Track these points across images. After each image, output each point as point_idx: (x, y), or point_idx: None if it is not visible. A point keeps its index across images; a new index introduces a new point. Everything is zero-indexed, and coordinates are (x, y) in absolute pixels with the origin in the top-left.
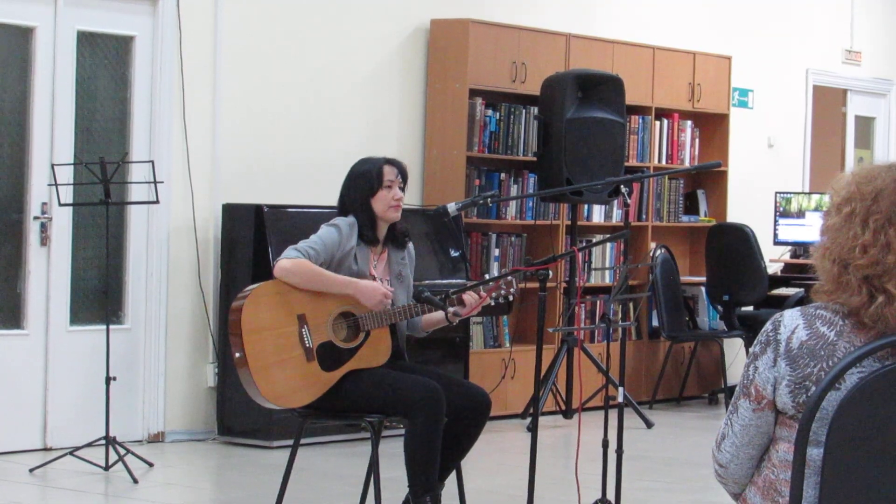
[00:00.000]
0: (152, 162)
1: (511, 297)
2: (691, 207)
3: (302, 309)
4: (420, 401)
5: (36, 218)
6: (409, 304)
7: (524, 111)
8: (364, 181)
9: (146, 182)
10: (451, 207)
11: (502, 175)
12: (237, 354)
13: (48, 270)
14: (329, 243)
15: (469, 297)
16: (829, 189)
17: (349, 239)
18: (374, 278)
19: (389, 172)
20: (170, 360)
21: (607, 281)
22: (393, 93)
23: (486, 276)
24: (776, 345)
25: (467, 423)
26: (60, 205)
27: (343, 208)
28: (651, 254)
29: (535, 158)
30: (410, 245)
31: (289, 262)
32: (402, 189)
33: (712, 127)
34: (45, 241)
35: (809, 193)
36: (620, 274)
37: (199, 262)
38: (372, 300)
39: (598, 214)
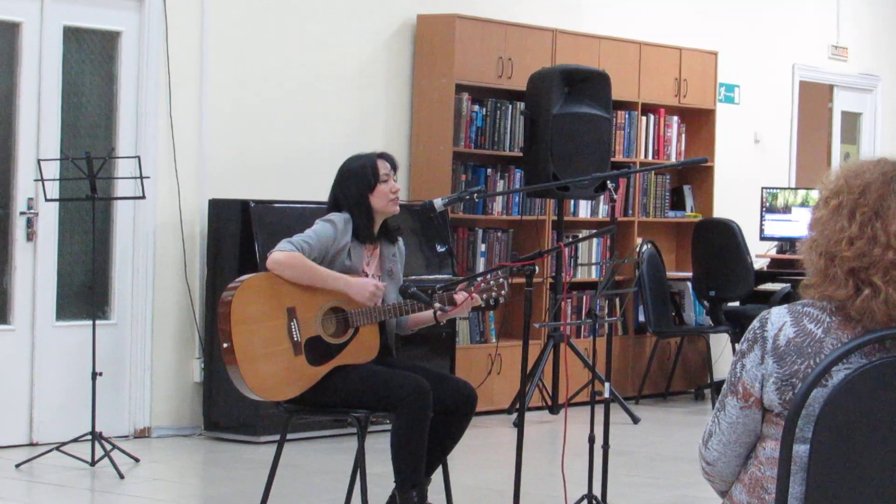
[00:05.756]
0: (139, 157)
1: (502, 300)
2: (678, 203)
3: (292, 302)
4: (407, 396)
5: (22, 213)
6: (399, 301)
7: (510, 106)
8: (360, 178)
9: (132, 177)
10: (438, 203)
11: (489, 170)
12: (225, 345)
13: (34, 266)
14: (324, 238)
15: (459, 296)
16: (819, 183)
17: (344, 235)
18: (366, 275)
19: (383, 167)
20: (156, 356)
21: (593, 276)
22: (379, 88)
23: (473, 273)
24: (763, 342)
25: (454, 419)
26: (47, 200)
27: (336, 206)
28: (637, 249)
29: (521, 154)
30: (401, 241)
31: (282, 254)
32: (395, 180)
33: (699, 122)
34: (31, 236)
35: (796, 189)
36: (607, 269)
37: (185, 258)
38: (362, 294)
39: (584, 210)
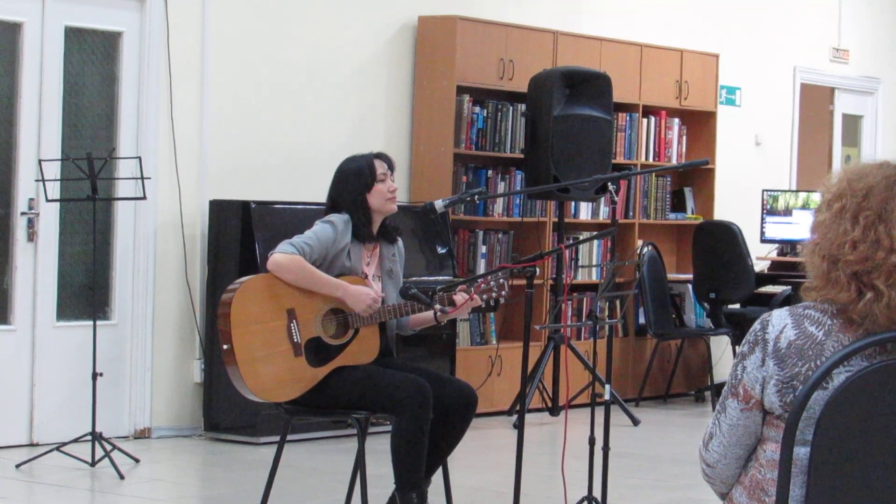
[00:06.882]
0: (139, 158)
1: (502, 300)
2: (678, 205)
3: (292, 303)
4: (407, 397)
5: (23, 213)
6: (399, 302)
7: (511, 108)
8: (357, 178)
9: (133, 178)
10: (439, 204)
11: (489, 172)
12: (225, 347)
13: (35, 266)
14: (324, 240)
15: (459, 297)
16: (821, 186)
17: (344, 236)
18: (365, 276)
19: (380, 167)
20: (156, 356)
21: (594, 278)
22: (380, 89)
23: (474, 274)
24: (764, 344)
25: (454, 420)
26: (47, 200)
27: (335, 207)
28: (638, 251)
29: (522, 155)
30: (400, 242)
31: (283, 256)
32: (393, 180)
33: (699, 124)
34: (31, 236)
35: (796, 191)
36: (607, 271)
37: (185, 259)
38: (360, 304)
39: (585, 212)
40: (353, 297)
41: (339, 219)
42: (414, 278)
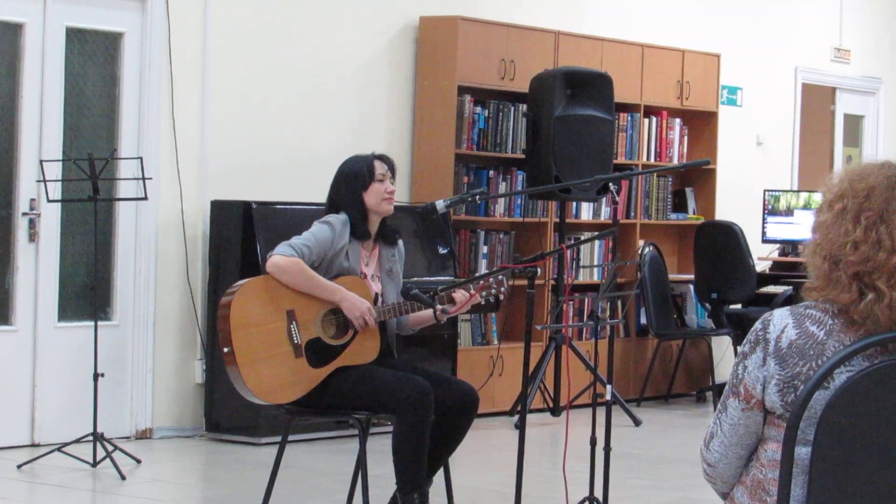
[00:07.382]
0: (141, 158)
1: (501, 296)
2: (680, 205)
3: (291, 305)
4: (408, 398)
5: (24, 214)
6: (398, 301)
7: (513, 108)
8: (356, 176)
9: (135, 178)
10: (440, 204)
11: (491, 172)
12: (225, 349)
13: (36, 266)
14: (322, 240)
15: (459, 294)
16: (822, 186)
17: (342, 236)
18: (364, 276)
19: (380, 167)
20: (158, 357)
21: (595, 278)
22: (382, 90)
23: (475, 274)
24: (765, 344)
25: (455, 420)
26: (49, 201)
27: (333, 206)
28: (639, 251)
29: (523, 156)
30: (401, 242)
31: (282, 259)
32: (392, 183)
33: (701, 125)
34: (33, 237)
35: (798, 191)
36: (609, 271)
37: (187, 259)
38: (353, 313)
39: (586, 212)
40: (349, 304)
41: (337, 219)
42: (415, 279)
